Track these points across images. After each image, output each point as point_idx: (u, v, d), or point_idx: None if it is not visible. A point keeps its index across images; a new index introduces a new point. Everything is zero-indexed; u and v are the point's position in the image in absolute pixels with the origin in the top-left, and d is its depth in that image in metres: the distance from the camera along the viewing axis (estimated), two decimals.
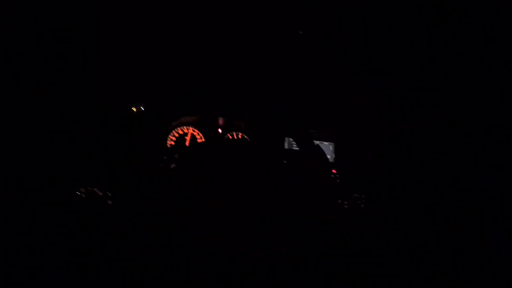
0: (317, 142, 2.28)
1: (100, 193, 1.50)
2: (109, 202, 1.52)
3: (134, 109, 2.00)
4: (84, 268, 1.33)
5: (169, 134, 2.17)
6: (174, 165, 1.76)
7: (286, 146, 2.31)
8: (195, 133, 2.23)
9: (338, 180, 2.13)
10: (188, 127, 2.22)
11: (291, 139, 2.30)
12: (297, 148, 2.26)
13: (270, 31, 2.15)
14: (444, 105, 2.08)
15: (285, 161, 1.98)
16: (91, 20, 1.82)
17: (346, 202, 2.08)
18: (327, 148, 2.30)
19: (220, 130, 2.27)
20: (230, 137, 2.28)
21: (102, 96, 1.95)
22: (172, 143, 2.17)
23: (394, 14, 2.01)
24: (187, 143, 2.19)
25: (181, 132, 2.21)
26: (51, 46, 1.67)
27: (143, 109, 2.07)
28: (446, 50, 2.04)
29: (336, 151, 2.30)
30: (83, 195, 1.48)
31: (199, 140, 2.22)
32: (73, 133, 1.63)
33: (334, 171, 2.16)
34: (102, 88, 1.94)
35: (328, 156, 2.24)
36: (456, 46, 2.02)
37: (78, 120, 1.72)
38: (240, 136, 2.29)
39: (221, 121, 2.27)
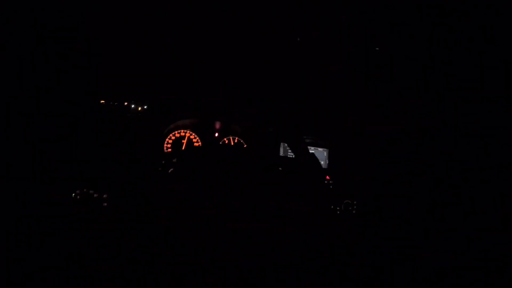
0: (311, 148, 2.31)
1: (96, 195, 1.53)
2: (105, 204, 1.55)
3: (139, 108, 2.02)
4: (78, 270, 1.35)
5: (166, 137, 2.20)
6: (172, 169, 1.79)
7: (281, 152, 2.34)
8: (192, 137, 2.27)
9: (331, 186, 2.17)
10: (185, 131, 2.26)
11: (286, 145, 2.33)
12: (292, 154, 2.29)
13: (268, 36, 2.17)
14: (435, 112, 2.10)
15: (279, 168, 2.01)
16: (89, 21, 1.85)
17: (338, 208, 2.12)
18: (321, 154, 2.33)
19: (217, 134, 2.30)
20: (227, 141, 2.32)
21: (100, 98, 1.98)
22: (169, 145, 2.21)
23: (384, 19, 2.03)
24: (183, 147, 2.22)
25: (178, 135, 2.24)
26: (49, 47, 1.70)
27: (140, 110, 2.10)
28: (440, 53, 2.05)
29: (330, 157, 2.33)
30: (79, 197, 1.51)
31: (195, 144, 2.25)
32: (70, 135, 1.66)
33: (327, 177, 2.19)
34: (100, 90, 1.98)
35: (322, 162, 2.27)
36: (448, 49, 2.02)
37: (75, 122, 1.75)
38: (236, 141, 2.32)
39: (218, 125, 2.30)
